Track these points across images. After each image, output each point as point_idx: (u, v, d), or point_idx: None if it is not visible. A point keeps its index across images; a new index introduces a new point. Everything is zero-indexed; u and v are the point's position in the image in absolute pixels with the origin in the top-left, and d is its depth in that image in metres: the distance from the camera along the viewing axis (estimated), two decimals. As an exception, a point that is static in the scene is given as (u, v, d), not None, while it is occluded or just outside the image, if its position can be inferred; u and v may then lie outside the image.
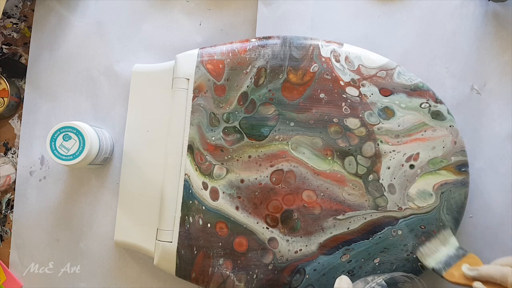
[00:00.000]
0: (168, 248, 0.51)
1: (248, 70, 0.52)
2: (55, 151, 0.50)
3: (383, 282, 0.44)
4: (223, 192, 0.51)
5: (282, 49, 0.52)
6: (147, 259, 0.56)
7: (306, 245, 0.50)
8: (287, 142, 0.51)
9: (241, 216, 0.51)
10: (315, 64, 0.51)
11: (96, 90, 0.58)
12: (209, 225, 0.51)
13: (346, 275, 0.47)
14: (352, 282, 0.43)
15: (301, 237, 0.50)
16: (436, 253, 0.48)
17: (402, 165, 0.50)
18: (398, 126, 0.50)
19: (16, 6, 0.61)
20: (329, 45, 0.52)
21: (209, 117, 0.52)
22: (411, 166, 0.50)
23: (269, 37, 0.53)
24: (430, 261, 0.48)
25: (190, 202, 0.51)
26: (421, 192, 0.50)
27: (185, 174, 0.52)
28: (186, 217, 0.51)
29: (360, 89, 0.51)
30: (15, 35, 0.61)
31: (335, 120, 0.51)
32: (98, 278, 0.56)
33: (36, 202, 0.57)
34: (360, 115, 0.51)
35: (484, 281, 0.43)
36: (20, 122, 0.59)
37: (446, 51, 0.55)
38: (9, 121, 0.60)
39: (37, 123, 0.58)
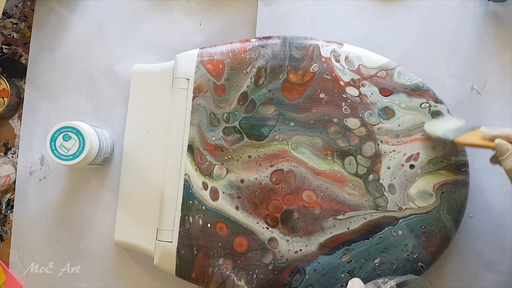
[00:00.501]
0: (168, 248, 0.51)
1: (248, 70, 0.52)
2: (55, 151, 0.50)
3: (395, 286, 0.43)
4: (223, 192, 0.51)
5: (282, 49, 0.52)
6: (147, 259, 0.56)
7: (306, 245, 0.50)
8: (287, 142, 0.51)
9: (241, 216, 0.51)
10: (315, 64, 0.51)
11: (96, 90, 0.58)
12: (209, 225, 0.51)
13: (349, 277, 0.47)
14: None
15: (301, 237, 0.50)
16: (444, 124, 0.47)
17: (402, 165, 0.50)
18: (398, 126, 0.50)
19: (16, 6, 0.61)
20: (329, 45, 0.52)
21: (209, 117, 0.52)
22: (411, 166, 0.50)
23: (269, 37, 0.53)
24: (437, 131, 0.46)
25: (190, 202, 0.51)
26: (421, 192, 0.50)
27: (185, 174, 0.52)
28: (186, 217, 0.51)
29: (360, 89, 0.51)
30: (15, 35, 0.61)
31: (335, 120, 0.51)
32: (98, 278, 0.56)
33: (36, 202, 0.57)
34: (360, 115, 0.51)
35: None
36: (20, 122, 0.59)
37: (446, 51, 0.55)
38: (9, 121, 0.60)
39: (37, 123, 0.58)
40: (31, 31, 0.60)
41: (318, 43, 0.52)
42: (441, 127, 0.47)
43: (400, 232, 0.49)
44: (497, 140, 0.42)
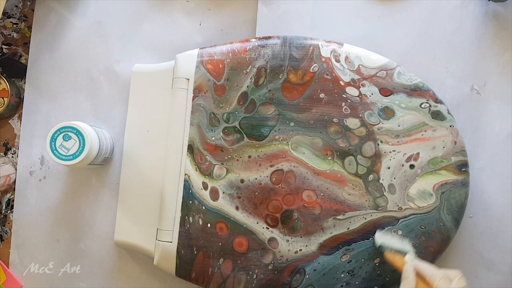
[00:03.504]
0: (168, 248, 0.51)
1: (248, 70, 0.52)
2: (55, 151, 0.50)
3: None
4: (223, 192, 0.51)
5: (282, 49, 0.52)
6: (147, 259, 0.56)
7: (306, 245, 0.50)
8: (287, 142, 0.51)
9: (241, 216, 0.51)
10: (315, 64, 0.51)
11: (96, 90, 0.58)
12: (209, 225, 0.51)
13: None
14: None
15: (301, 237, 0.50)
16: (392, 241, 0.49)
17: (402, 165, 0.50)
18: (398, 126, 0.50)
19: (16, 6, 0.61)
20: (329, 45, 0.52)
21: (209, 117, 0.52)
22: (411, 166, 0.50)
23: (269, 37, 0.53)
24: (379, 240, 0.49)
25: (190, 202, 0.51)
26: (421, 192, 0.50)
27: (185, 174, 0.52)
28: (186, 217, 0.51)
29: (360, 89, 0.51)
30: (15, 35, 0.61)
31: (335, 120, 0.51)
32: (98, 278, 0.56)
33: (36, 202, 0.57)
34: (360, 115, 0.51)
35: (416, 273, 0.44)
36: (20, 122, 0.59)
37: (446, 51, 0.55)
38: (9, 121, 0.60)
39: (37, 123, 0.58)
40: (31, 31, 0.60)
41: (318, 43, 0.52)
42: (387, 241, 0.49)
43: (400, 232, 0.49)
44: (407, 266, 0.44)
